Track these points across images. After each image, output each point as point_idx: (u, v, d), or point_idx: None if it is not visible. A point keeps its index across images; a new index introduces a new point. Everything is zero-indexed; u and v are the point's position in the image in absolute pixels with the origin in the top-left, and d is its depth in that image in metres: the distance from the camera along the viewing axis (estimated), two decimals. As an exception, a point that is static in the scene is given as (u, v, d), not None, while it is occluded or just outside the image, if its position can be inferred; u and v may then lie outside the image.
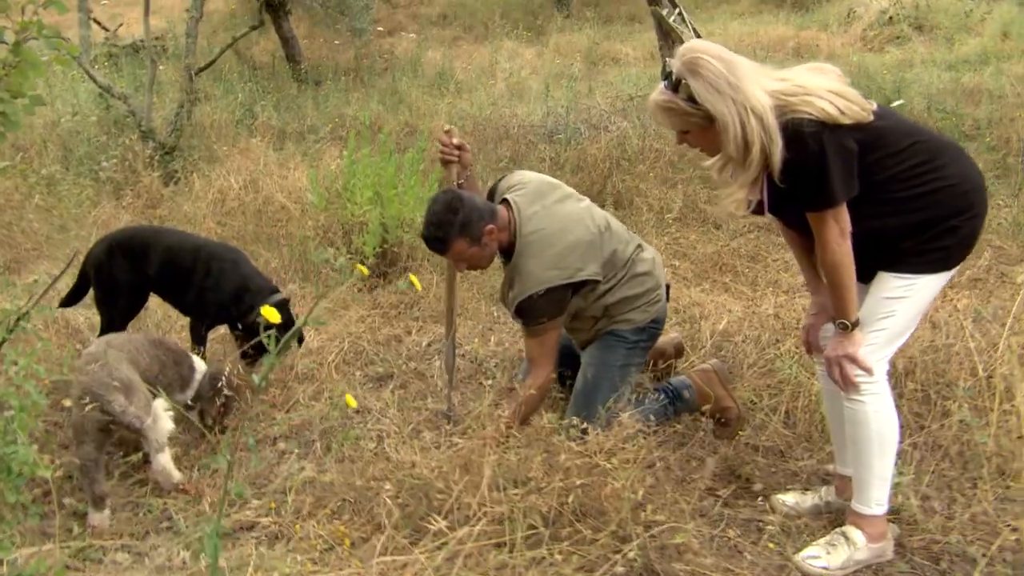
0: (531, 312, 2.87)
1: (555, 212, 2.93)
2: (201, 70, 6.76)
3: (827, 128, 2.15)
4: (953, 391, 3.05)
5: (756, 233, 5.23)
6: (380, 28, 11.43)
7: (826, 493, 2.74)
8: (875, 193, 2.25)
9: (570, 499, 2.36)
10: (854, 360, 2.33)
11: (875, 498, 2.43)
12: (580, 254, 2.87)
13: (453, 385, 3.28)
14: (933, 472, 2.80)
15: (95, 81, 6.56)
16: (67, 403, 2.80)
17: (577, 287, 2.90)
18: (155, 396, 2.87)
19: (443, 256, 2.95)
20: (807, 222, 2.30)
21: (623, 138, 6.43)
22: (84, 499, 2.77)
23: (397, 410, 3.29)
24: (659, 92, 2.26)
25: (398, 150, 6.09)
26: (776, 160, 2.15)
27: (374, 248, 4.49)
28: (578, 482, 2.43)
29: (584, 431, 2.60)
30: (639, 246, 3.09)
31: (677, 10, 10.72)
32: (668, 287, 3.22)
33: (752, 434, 3.11)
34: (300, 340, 3.51)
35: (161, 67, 9.01)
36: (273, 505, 2.66)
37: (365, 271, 1.80)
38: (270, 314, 1.50)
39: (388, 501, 2.50)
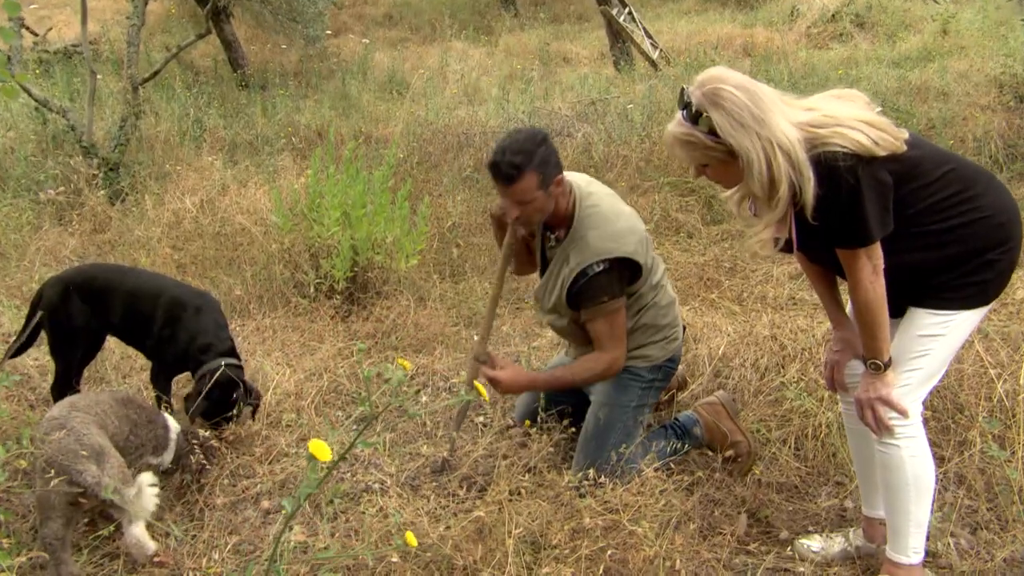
0: (590, 290, 2.64)
1: (609, 199, 2.79)
2: (145, 81, 6.32)
3: (862, 161, 1.97)
4: (970, 417, 2.91)
5: (730, 242, 5.08)
6: (327, 31, 11.02)
7: (854, 537, 2.56)
8: (909, 227, 2.08)
9: (600, 570, 2.14)
10: (888, 403, 2.15)
11: (912, 546, 2.26)
12: (636, 241, 2.69)
13: (459, 428, 3.04)
14: (959, 509, 2.65)
15: (30, 95, 6.08)
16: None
17: (631, 277, 2.70)
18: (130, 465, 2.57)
19: (508, 187, 2.59)
20: (835, 258, 2.12)
21: (588, 144, 6.23)
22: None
23: (388, 456, 3.02)
24: (677, 124, 2.08)
25: (357, 162, 5.82)
26: (809, 197, 1.98)
27: (345, 272, 4.21)
28: (604, 545, 2.21)
29: (599, 483, 2.39)
30: (665, 273, 2.92)
31: (627, 9, 10.57)
32: (685, 328, 3.04)
33: (764, 469, 2.92)
34: (254, 410, 3.19)
35: (100, 76, 8.51)
36: (264, 582, 2.37)
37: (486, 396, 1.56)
38: (318, 450, 1.23)
39: (396, 572, 2.25)
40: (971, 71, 7.81)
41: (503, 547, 2.18)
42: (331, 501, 2.77)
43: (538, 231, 2.87)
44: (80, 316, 3.19)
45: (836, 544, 2.54)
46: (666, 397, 3.24)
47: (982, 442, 2.80)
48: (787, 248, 2.16)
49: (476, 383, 1.68)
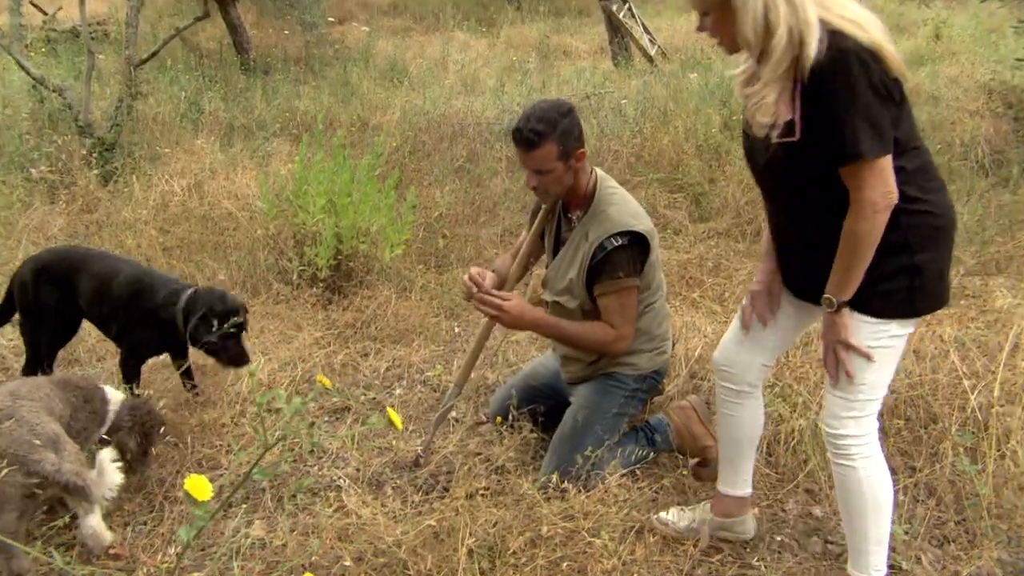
0: (608, 264, 2.53)
1: (623, 189, 2.74)
2: (143, 61, 6.15)
3: (879, 61, 1.73)
4: (942, 429, 2.78)
5: (716, 240, 4.94)
6: (331, 18, 10.81)
7: (701, 512, 2.50)
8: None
9: (556, 581, 2.02)
10: (850, 346, 1.97)
11: (873, 564, 2.15)
12: (650, 225, 2.63)
13: (437, 430, 2.91)
14: (928, 522, 2.53)
15: (27, 71, 5.92)
16: None
17: (643, 262, 2.59)
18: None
19: (528, 153, 2.52)
20: (805, 192, 1.92)
21: (580, 138, 6.07)
22: None
23: (356, 450, 2.90)
24: None
25: (352, 148, 5.65)
26: (809, 58, 1.72)
27: (328, 260, 4.07)
28: (562, 555, 2.09)
29: (564, 491, 2.27)
30: (663, 287, 2.82)
31: (627, 5, 10.38)
32: (674, 343, 2.94)
33: (734, 474, 2.79)
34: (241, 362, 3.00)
35: (102, 56, 8.35)
36: (218, 579, 2.26)
37: (399, 424, 1.44)
38: (196, 488, 1.09)
39: (348, 575, 2.13)
40: (962, 76, 7.65)
41: (458, 554, 2.06)
42: (293, 496, 2.65)
43: (555, 215, 2.78)
44: (49, 297, 3.06)
45: (685, 518, 2.49)
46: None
47: (954, 455, 2.67)
48: (788, 132, 1.84)
49: (389, 409, 1.55)
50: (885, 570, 2.16)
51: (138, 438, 2.69)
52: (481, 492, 2.32)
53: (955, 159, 6.12)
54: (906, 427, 2.86)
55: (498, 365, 3.56)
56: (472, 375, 3.37)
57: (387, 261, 4.34)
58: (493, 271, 2.81)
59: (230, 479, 2.72)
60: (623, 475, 2.41)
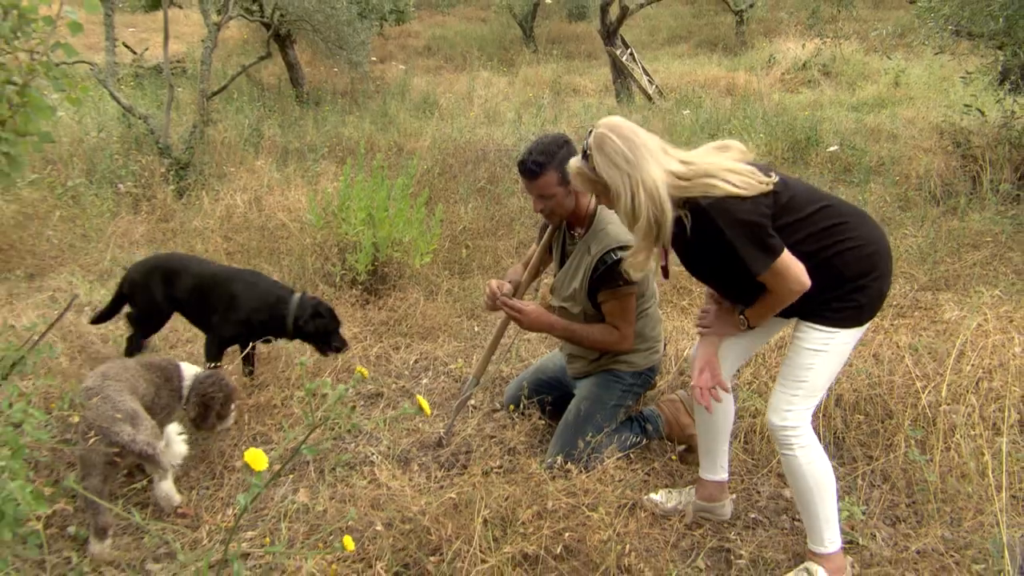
0: (608, 275, 2.51)
1: None
2: (214, 94, 6.21)
3: (733, 200, 1.91)
4: (898, 424, 2.75)
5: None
6: (373, 58, 10.84)
7: (687, 496, 2.50)
8: (792, 251, 1.98)
9: (558, 548, 2.00)
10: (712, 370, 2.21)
11: (827, 538, 2.15)
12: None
13: (458, 416, 2.91)
14: (882, 504, 2.49)
15: (118, 102, 5.98)
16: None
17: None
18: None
19: (531, 182, 2.54)
20: (721, 281, 2.14)
21: (586, 165, 6.04)
22: (86, 525, 2.35)
23: (388, 431, 2.89)
24: (577, 160, 2.10)
25: (389, 170, 5.66)
26: (666, 233, 1.95)
27: (366, 266, 4.07)
28: (565, 526, 2.07)
29: (568, 471, 2.26)
30: (656, 295, 2.79)
31: (629, 50, 10.36)
32: (664, 344, 2.94)
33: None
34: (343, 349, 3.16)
35: (180, 89, 8.42)
36: (267, 541, 2.25)
37: (428, 410, 1.45)
38: (254, 460, 1.08)
39: (379, 538, 2.13)
40: (917, 118, 7.59)
41: (474, 523, 2.05)
42: (333, 469, 2.65)
43: (561, 231, 2.77)
44: (158, 293, 3.14)
45: (672, 500, 2.49)
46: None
47: (906, 446, 2.64)
48: (664, 274, 2.20)
49: (419, 397, 1.54)
50: (839, 543, 2.16)
51: (208, 406, 2.68)
52: (495, 470, 2.31)
53: (911, 189, 6.06)
54: (865, 421, 2.82)
55: (512, 360, 3.54)
56: (489, 368, 3.37)
57: (417, 268, 4.34)
58: (509, 282, 2.80)
59: (279, 453, 2.72)
60: (619, 458, 2.39)
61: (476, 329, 3.92)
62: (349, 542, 1.35)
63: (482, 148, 6.66)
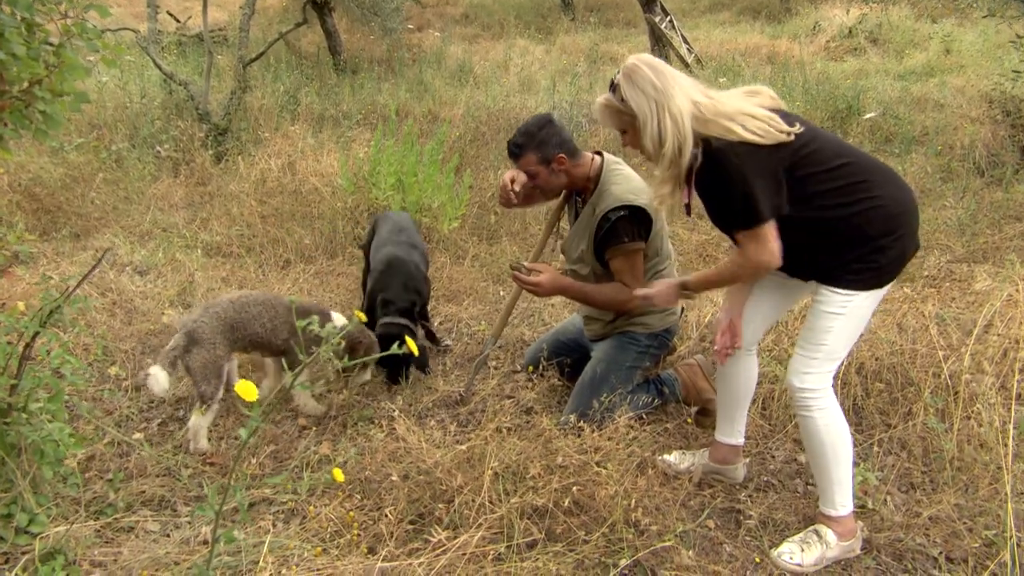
0: (613, 232, 2.55)
1: (631, 170, 2.70)
2: (252, 61, 6.28)
3: (745, 147, 1.90)
4: (917, 392, 2.72)
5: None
6: (410, 26, 10.82)
7: (700, 456, 2.51)
8: (808, 209, 1.98)
9: (566, 502, 2.05)
10: (648, 299, 2.33)
11: (838, 501, 2.16)
12: (650, 203, 2.56)
13: (477, 375, 2.97)
14: (897, 471, 2.48)
15: (160, 68, 6.11)
16: None
17: (647, 230, 2.58)
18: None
19: (514, 162, 2.64)
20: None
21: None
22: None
23: (410, 389, 2.97)
24: (604, 95, 2.12)
25: (421, 137, 5.69)
26: (685, 161, 1.97)
27: (395, 230, 4.12)
28: (574, 481, 2.12)
29: (580, 428, 2.30)
30: (672, 256, 2.79)
31: (668, 18, 10.14)
32: (682, 309, 2.94)
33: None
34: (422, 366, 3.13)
35: (220, 56, 8.53)
36: (290, 486, 2.35)
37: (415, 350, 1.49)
38: (245, 391, 1.14)
39: (395, 488, 2.20)
40: (967, 87, 7.31)
41: (484, 475, 2.11)
42: (356, 423, 2.73)
43: (571, 198, 2.80)
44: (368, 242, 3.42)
45: (686, 461, 2.51)
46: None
47: (925, 415, 2.61)
48: (687, 211, 2.16)
49: (408, 339, 1.58)
50: (851, 507, 2.17)
51: (354, 349, 2.79)
52: (507, 427, 2.36)
53: (955, 160, 5.88)
54: (885, 389, 2.80)
55: (535, 324, 3.58)
56: (511, 331, 3.42)
57: (445, 232, 4.39)
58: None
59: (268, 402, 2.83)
60: (632, 418, 2.41)
61: (501, 294, 3.96)
62: (338, 473, 1.42)
63: (515, 116, 6.64)
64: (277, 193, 4.72)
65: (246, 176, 4.98)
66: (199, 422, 2.56)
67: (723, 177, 1.93)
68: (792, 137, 1.93)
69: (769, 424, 2.79)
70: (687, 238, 4.45)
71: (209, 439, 2.64)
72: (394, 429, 2.45)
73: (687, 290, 2.26)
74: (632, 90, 2.00)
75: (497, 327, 2.90)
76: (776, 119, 1.94)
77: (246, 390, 1.11)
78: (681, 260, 4.24)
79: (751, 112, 1.94)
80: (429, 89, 7.77)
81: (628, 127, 2.08)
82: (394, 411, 2.70)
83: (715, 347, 2.31)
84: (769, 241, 1.96)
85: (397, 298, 3.00)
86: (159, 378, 2.48)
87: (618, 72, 2.06)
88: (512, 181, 2.72)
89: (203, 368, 2.55)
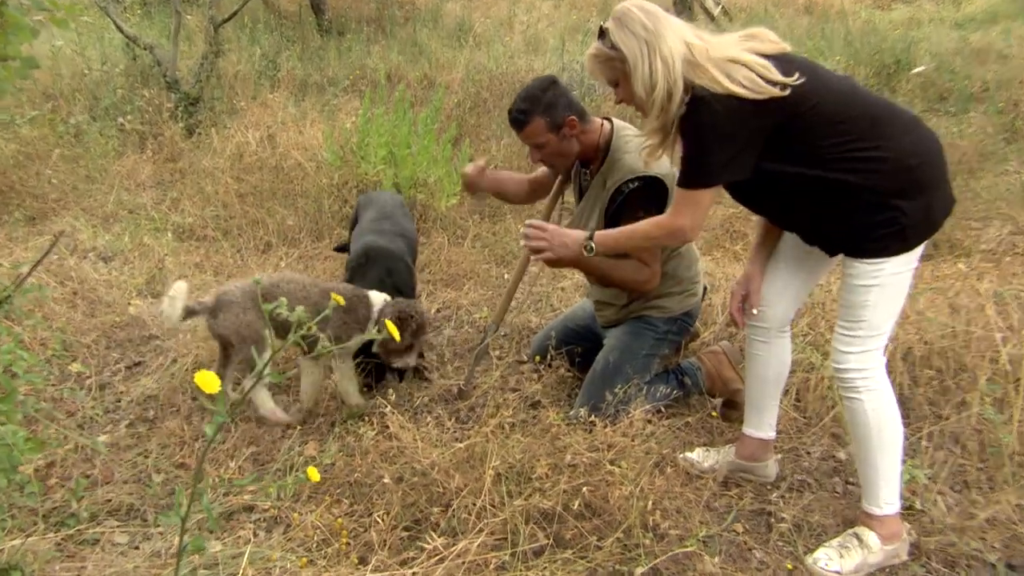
0: (626, 205, 2.55)
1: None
2: (224, 21, 6.28)
3: (727, 102, 1.92)
4: (972, 380, 2.72)
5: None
6: (402, -21, 10.78)
7: (725, 455, 2.52)
8: (812, 167, 1.99)
9: (576, 504, 2.07)
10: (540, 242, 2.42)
11: (884, 497, 2.15)
12: (667, 170, 2.56)
13: (478, 366, 2.98)
14: (950, 467, 2.48)
15: (122, 31, 6.13)
16: None
17: (663, 203, 2.54)
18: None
19: (519, 133, 2.63)
20: (750, 191, 2.15)
21: (636, 95, 5.97)
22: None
23: (405, 384, 2.99)
24: (593, 45, 2.16)
25: (415, 104, 5.71)
26: (674, 108, 2.01)
27: (387, 208, 4.14)
28: (584, 481, 2.13)
29: (592, 423, 2.31)
30: None
31: (692, -35, 10.05)
32: (705, 289, 2.93)
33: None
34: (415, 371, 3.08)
35: (189, 16, 8.51)
36: (272, 490, 2.38)
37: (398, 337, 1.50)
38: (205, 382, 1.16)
39: (388, 492, 2.23)
40: (1035, 35, 7.22)
41: (484, 477, 2.12)
42: (345, 421, 2.75)
43: (575, 170, 2.78)
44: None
45: (710, 458, 2.53)
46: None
47: (980, 405, 2.61)
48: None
49: (388, 323, 1.59)
50: (897, 506, 2.16)
51: (405, 323, 2.72)
52: (511, 422, 2.37)
53: (1020, 119, 5.83)
54: (936, 377, 2.80)
55: (543, 310, 3.60)
56: (516, 318, 3.43)
57: (443, 210, 4.41)
58: None
59: (284, 404, 2.85)
60: (649, 411, 2.42)
61: (505, 277, 3.97)
62: (313, 473, 1.43)
63: (520, 79, 6.61)
64: (255, 169, 4.74)
65: (221, 151, 5.00)
66: (256, 390, 2.59)
67: (692, 127, 1.99)
68: (787, 91, 1.92)
69: (803, 417, 2.79)
70: (712, 212, 4.44)
71: (186, 442, 2.67)
72: (386, 427, 2.47)
73: (590, 242, 2.34)
74: (622, 32, 2.04)
75: (499, 311, 2.91)
76: (770, 68, 1.93)
77: (206, 381, 1.12)
78: (705, 236, 4.24)
79: (741, 59, 1.95)
80: (424, 51, 7.77)
81: (620, 77, 2.11)
82: (386, 407, 2.72)
83: (731, 317, 2.37)
84: (699, 208, 2.08)
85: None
86: (176, 301, 2.58)
87: (608, 19, 2.10)
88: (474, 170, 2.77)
89: (236, 331, 2.64)
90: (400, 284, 3.00)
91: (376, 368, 3.00)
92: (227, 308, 2.68)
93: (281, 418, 2.76)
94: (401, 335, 2.64)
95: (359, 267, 3.03)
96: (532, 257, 2.54)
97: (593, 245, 2.34)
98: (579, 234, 2.40)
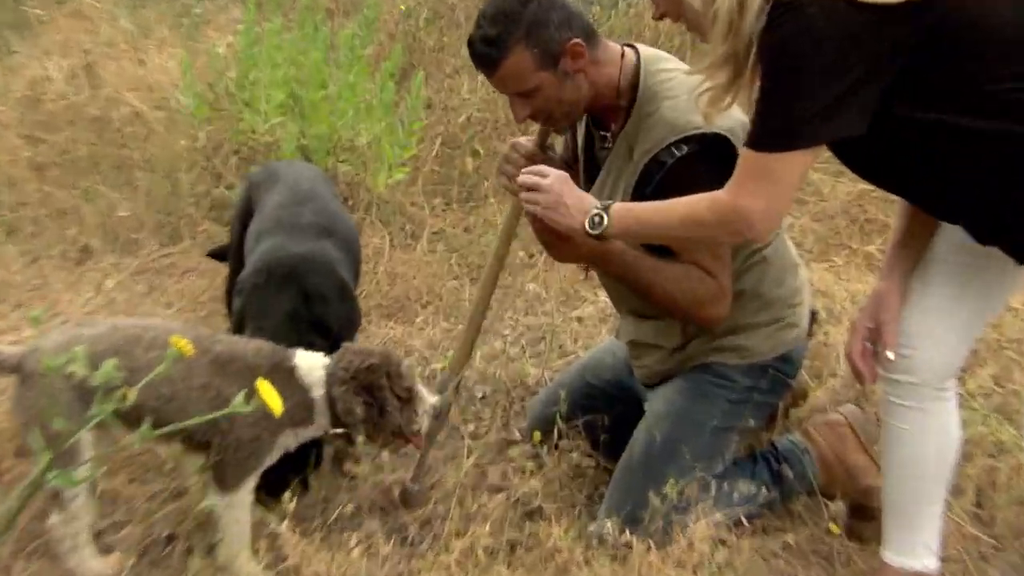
0: (675, 183, 2.45)
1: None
2: None
3: (832, 1, 1.92)
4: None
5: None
6: None
7: None
8: (974, 117, 2.00)
9: None
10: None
11: (924, 542, 2.39)
12: (736, 119, 2.53)
13: (432, 446, 2.98)
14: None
15: None
16: None
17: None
18: None
19: (493, 74, 2.59)
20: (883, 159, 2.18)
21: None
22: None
23: (316, 480, 2.99)
24: None
25: (336, 12, 5.77)
26: (748, 23, 2.00)
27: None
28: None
29: (627, 546, 2.33)
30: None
31: None
32: (814, 315, 2.92)
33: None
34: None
35: None
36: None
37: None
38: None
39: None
40: None
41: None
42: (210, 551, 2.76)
43: (579, 125, 2.84)
44: None
45: None
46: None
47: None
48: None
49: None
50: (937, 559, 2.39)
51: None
52: (490, 546, 2.38)
53: None
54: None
55: (546, 353, 3.61)
56: (505, 369, 3.45)
57: (381, 191, 4.43)
58: None
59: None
60: (722, 524, 2.43)
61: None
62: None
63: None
64: (63, 123, 4.78)
65: (5, 90, 5.03)
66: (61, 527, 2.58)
67: (774, 49, 1.98)
68: None
69: (990, 532, 2.81)
70: (826, 190, 4.49)
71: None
72: (280, 554, 2.48)
73: (603, 214, 2.34)
74: None
75: (463, 343, 2.91)
76: None
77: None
78: (815, 230, 4.29)
79: None
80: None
81: None
82: (280, 522, 2.72)
83: (847, 353, 2.42)
84: (781, 184, 2.10)
85: (281, 337, 2.87)
86: None
87: None
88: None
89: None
90: (328, 318, 2.97)
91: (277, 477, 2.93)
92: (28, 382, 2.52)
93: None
94: (382, 412, 2.62)
95: (256, 292, 2.98)
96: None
97: (606, 219, 2.31)
98: (589, 199, 2.41)
